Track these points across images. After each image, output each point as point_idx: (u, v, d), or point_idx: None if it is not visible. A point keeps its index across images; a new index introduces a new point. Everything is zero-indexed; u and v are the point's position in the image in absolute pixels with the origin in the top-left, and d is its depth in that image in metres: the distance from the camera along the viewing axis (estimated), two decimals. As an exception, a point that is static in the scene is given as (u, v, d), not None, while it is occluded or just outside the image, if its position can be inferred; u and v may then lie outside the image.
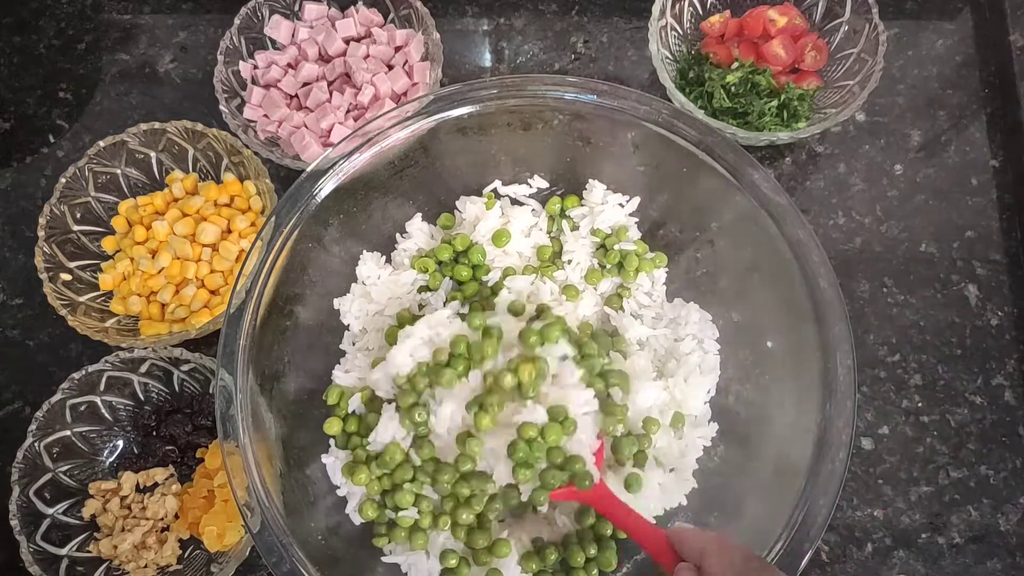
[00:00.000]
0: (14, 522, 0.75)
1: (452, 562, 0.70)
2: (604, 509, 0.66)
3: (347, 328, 0.80)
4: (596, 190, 0.81)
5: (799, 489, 0.62)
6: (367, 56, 0.94)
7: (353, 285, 0.80)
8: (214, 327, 0.83)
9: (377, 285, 0.79)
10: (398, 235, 0.83)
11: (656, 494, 0.72)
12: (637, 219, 0.82)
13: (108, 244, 0.90)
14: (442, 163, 0.79)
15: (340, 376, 0.76)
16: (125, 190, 0.91)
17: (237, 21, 0.94)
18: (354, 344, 0.79)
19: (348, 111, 0.92)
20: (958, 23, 1.03)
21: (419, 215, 0.83)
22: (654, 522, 0.71)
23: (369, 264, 0.80)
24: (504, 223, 0.81)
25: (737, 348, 0.77)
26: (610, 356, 0.75)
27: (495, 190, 0.83)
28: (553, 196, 0.84)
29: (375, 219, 0.80)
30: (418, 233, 0.83)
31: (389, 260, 0.83)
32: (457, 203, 0.84)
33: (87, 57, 1.05)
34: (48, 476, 0.78)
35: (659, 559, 0.57)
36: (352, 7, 0.97)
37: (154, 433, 0.84)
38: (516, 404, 0.67)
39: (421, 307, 0.80)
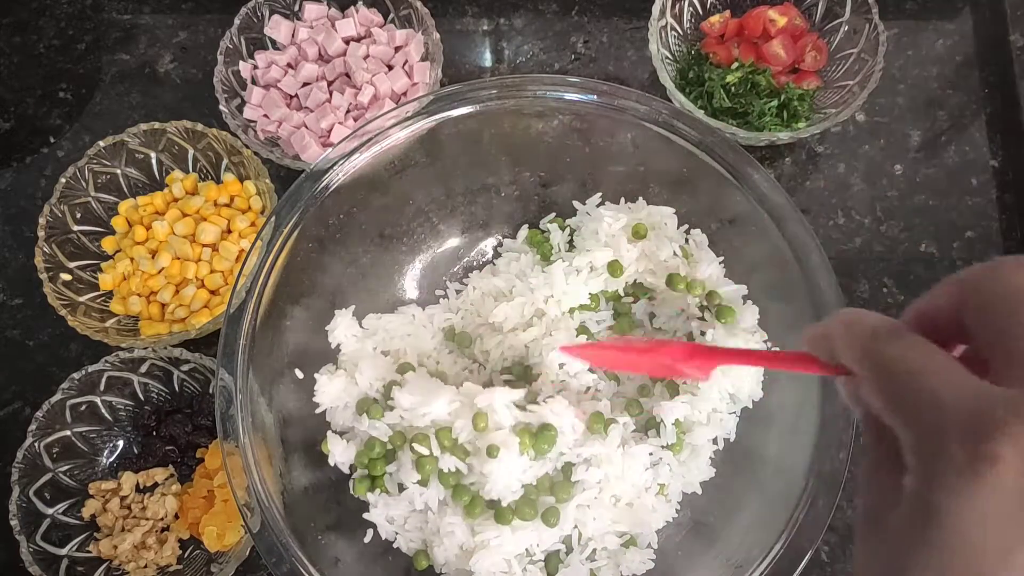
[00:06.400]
0: (14, 522, 0.75)
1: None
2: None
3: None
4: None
5: (799, 489, 0.62)
6: (367, 56, 0.94)
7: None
8: (214, 327, 0.83)
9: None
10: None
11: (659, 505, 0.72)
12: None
13: (108, 244, 0.90)
14: (442, 163, 0.79)
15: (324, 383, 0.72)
16: (125, 190, 0.91)
17: (237, 21, 0.94)
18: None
19: (348, 111, 0.92)
20: (958, 23, 1.03)
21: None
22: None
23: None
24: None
25: (737, 348, 0.77)
26: None
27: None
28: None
29: (375, 219, 0.80)
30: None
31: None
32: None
33: (87, 57, 1.05)
34: (48, 476, 0.78)
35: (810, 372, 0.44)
36: (352, 7, 0.97)
37: (154, 433, 0.84)
38: None
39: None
